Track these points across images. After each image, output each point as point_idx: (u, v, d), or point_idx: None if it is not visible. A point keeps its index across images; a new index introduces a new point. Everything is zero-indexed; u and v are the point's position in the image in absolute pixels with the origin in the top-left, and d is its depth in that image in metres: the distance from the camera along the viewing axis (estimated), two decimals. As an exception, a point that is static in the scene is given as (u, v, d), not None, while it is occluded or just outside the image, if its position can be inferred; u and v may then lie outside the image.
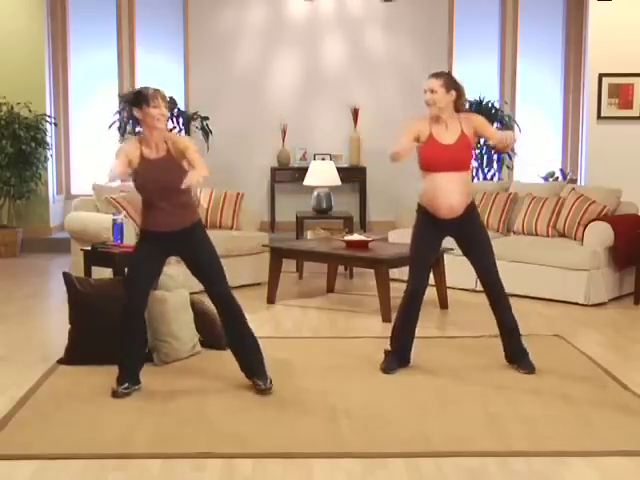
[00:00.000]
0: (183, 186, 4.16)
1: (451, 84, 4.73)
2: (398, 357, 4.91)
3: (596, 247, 6.70)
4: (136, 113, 4.33)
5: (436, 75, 4.77)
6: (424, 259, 4.93)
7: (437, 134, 4.72)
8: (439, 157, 4.69)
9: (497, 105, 9.73)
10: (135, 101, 4.33)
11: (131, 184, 4.50)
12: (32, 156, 9.18)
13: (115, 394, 4.37)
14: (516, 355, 4.91)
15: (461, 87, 4.80)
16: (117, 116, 9.38)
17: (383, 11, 10.21)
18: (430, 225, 4.81)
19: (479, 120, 4.86)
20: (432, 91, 4.69)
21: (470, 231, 4.86)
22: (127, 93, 4.37)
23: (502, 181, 9.45)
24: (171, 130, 9.36)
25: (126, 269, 4.64)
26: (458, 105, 4.79)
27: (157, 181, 4.30)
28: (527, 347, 4.94)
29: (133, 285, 4.44)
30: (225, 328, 4.60)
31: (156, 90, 4.36)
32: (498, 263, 4.96)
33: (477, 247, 4.88)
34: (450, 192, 4.68)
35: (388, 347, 4.97)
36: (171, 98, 9.37)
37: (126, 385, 4.40)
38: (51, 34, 9.86)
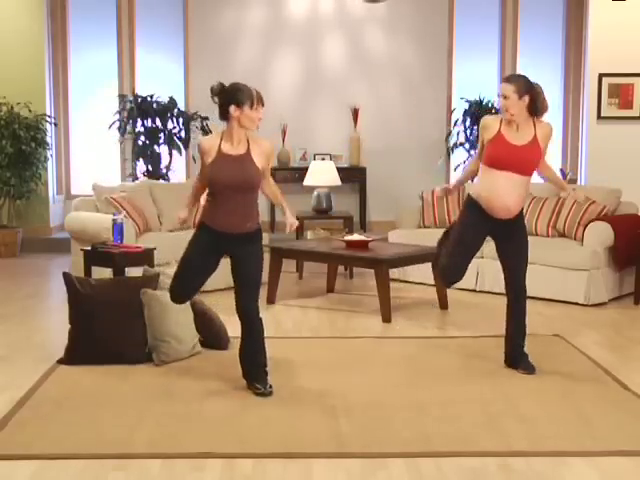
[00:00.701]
0: (288, 231, 4.49)
1: (524, 89, 4.59)
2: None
3: (596, 247, 6.70)
4: (233, 111, 4.23)
5: (509, 79, 4.67)
6: (467, 252, 4.81)
7: (507, 133, 4.64)
8: (504, 156, 4.60)
9: (497, 105, 9.73)
10: (237, 99, 4.23)
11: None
12: (32, 156, 9.18)
13: None
14: (517, 359, 4.90)
15: (536, 90, 4.64)
16: (117, 116, 9.39)
17: (383, 11, 10.22)
18: (479, 220, 4.72)
19: (550, 137, 4.73)
20: (505, 97, 4.59)
21: (514, 236, 4.78)
22: (224, 86, 4.29)
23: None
24: (171, 130, 9.38)
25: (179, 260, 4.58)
26: (533, 109, 4.64)
27: (231, 176, 4.26)
28: (527, 348, 4.93)
29: (184, 281, 4.49)
30: (242, 340, 4.51)
31: (259, 93, 4.29)
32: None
33: (514, 253, 4.80)
34: (509, 193, 4.60)
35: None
36: (171, 98, 9.40)
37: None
38: (51, 34, 9.87)
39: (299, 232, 8.65)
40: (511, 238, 4.79)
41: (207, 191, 4.45)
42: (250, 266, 4.42)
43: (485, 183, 4.69)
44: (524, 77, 4.70)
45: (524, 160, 4.61)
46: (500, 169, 4.60)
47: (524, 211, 4.88)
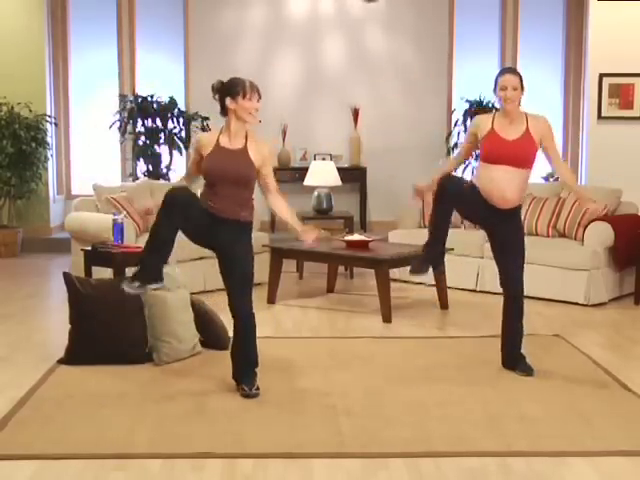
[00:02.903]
0: (305, 243, 4.31)
1: (522, 82, 4.68)
2: (432, 254, 4.81)
3: (596, 247, 6.70)
4: (229, 103, 4.28)
5: (514, 72, 4.70)
6: (455, 205, 4.74)
7: (499, 128, 4.67)
8: (499, 151, 4.62)
9: (497, 105, 9.72)
10: (231, 91, 4.28)
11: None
12: (32, 156, 9.18)
13: (130, 283, 4.21)
14: (515, 361, 4.87)
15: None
16: (117, 116, 9.39)
17: (383, 11, 10.22)
18: (478, 199, 4.67)
19: (548, 129, 4.72)
20: (515, 88, 4.62)
21: (508, 229, 4.74)
22: (220, 81, 4.42)
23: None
24: (171, 130, 9.38)
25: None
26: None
27: (224, 169, 4.26)
28: (526, 348, 4.91)
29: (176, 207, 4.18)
30: (235, 339, 4.47)
31: (253, 83, 4.32)
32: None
33: (509, 249, 4.77)
34: (505, 184, 4.60)
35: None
36: (171, 98, 9.40)
37: (138, 284, 4.23)
38: (51, 34, 9.86)
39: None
40: (506, 232, 4.77)
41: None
42: (242, 262, 4.36)
43: (483, 176, 4.69)
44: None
45: (518, 154, 4.62)
46: (495, 163, 4.63)
47: (523, 210, 4.86)
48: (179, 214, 4.19)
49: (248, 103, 4.27)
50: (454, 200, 4.72)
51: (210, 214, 4.32)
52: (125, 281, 4.31)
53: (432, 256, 4.86)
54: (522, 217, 4.92)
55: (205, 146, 4.36)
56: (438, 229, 4.81)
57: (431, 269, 4.98)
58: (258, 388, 4.41)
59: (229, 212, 4.33)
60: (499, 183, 4.61)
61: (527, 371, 4.80)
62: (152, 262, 4.29)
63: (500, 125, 4.68)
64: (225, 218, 4.33)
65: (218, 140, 4.34)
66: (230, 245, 4.35)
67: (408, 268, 5.00)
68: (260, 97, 4.32)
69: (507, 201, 4.65)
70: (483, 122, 4.77)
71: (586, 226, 6.84)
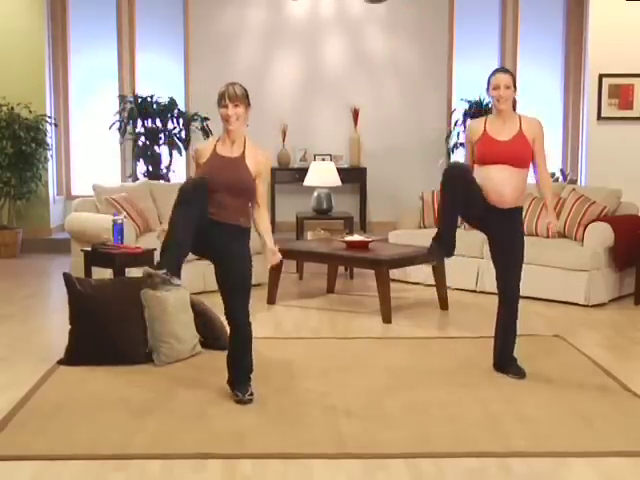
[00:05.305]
0: (268, 265, 4.26)
1: (515, 81, 4.71)
2: (444, 242, 4.71)
3: (596, 248, 6.70)
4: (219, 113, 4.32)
5: (506, 71, 4.73)
6: (465, 194, 4.61)
7: (492, 130, 4.67)
8: (491, 151, 4.62)
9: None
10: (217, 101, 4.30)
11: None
12: (32, 157, 9.18)
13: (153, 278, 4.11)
14: (505, 364, 4.82)
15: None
16: (117, 116, 9.39)
17: (383, 11, 10.21)
18: (482, 195, 4.64)
19: (541, 133, 4.74)
20: (507, 87, 4.62)
21: (506, 230, 4.69)
22: None
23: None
24: (171, 131, 9.37)
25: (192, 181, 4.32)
26: (514, 102, 4.78)
27: (222, 177, 4.22)
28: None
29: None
30: (230, 345, 4.41)
31: (227, 87, 4.28)
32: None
33: (505, 251, 4.72)
34: (502, 182, 4.59)
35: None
36: (171, 98, 9.40)
37: (164, 271, 4.08)
38: (51, 34, 9.86)
39: (300, 233, 8.65)
40: (504, 233, 4.70)
41: None
42: (239, 262, 4.30)
43: (480, 177, 4.66)
44: None
45: (511, 153, 4.62)
46: (490, 163, 4.63)
47: (524, 212, 4.83)
48: (197, 200, 4.17)
49: (222, 110, 4.27)
50: (462, 186, 4.59)
51: (208, 217, 4.27)
52: (149, 280, 4.14)
53: (446, 242, 4.71)
54: (523, 220, 4.88)
55: (202, 156, 4.34)
56: (449, 218, 4.70)
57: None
58: (252, 394, 4.34)
59: (227, 217, 4.27)
60: (495, 181, 4.60)
61: (519, 374, 4.76)
62: (173, 254, 4.17)
63: (492, 127, 4.69)
64: (222, 222, 4.27)
65: (215, 148, 4.32)
66: (227, 246, 4.29)
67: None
68: (238, 103, 4.24)
69: (504, 200, 4.63)
70: (475, 127, 4.78)
71: (586, 226, 6.84)
